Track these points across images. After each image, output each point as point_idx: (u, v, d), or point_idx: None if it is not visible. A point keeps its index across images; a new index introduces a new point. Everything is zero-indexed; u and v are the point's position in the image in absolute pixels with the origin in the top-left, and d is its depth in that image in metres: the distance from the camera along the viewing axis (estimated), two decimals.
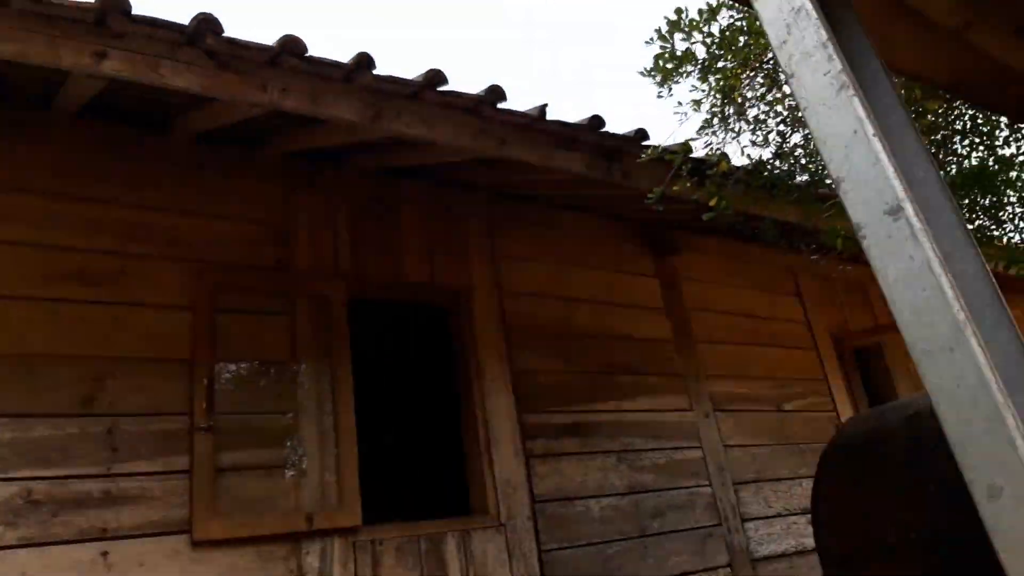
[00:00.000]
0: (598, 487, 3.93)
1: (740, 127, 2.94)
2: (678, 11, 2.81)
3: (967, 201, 3.28)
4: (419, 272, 3.82)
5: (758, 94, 2.88)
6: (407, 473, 6.13)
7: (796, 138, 3.24)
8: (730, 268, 5.25)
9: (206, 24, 2.44)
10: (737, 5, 2.69)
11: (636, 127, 3.29)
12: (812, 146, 3.34)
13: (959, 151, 3.20)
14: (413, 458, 6.24)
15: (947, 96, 2.62)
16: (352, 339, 3.47)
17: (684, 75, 2.93)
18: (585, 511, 3.83)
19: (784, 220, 3.86)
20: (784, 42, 0.95)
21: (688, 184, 2.83)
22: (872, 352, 5.84)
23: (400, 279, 3.76)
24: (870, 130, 0.75)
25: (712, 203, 2.77)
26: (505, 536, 3.52)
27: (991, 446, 0.57)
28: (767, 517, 4.55)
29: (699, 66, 2.89)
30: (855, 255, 5.54)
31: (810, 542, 4.66)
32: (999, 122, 3.18)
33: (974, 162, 3.30)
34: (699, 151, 3.23)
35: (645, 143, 3.18)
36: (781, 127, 3.20)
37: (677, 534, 4.09)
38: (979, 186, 3.09)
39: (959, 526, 2.66)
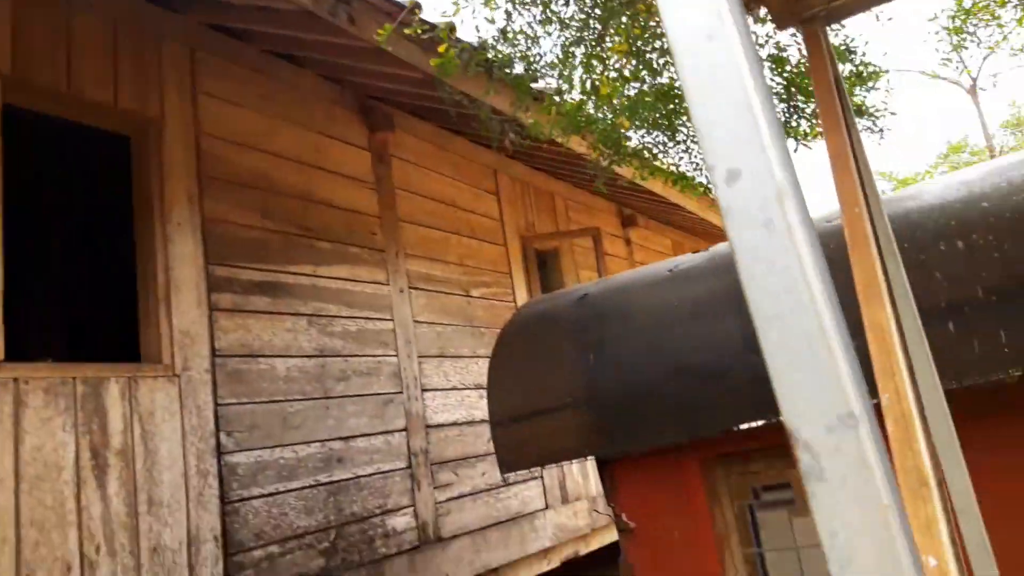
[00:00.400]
0: (286, 347, 3.86)
1: None
2: None
3: (656, 115, 3.69)
4: (100, 90, 3.31)
5: None
6: (79, 315, 5.44)
7: (521, 22, 3.35)
8: (440, 156, 5.38)
9: None
10: None
11: None
12: (534, 33, 3.49)
13: (654, 65, 3.58)
14: (84, 299, 5.55)
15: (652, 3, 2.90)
16: (10, 153, 2.92)
17: None
18: (270, 369, 3.75)
19: (497, 108, 4.02)
20: None
21: (419, 31, 2.80)
22: (551, 256, 6.45)
23: (76, 94, 3.23)
24: None
25: (441, 49, 2.78)
26: (179, 387, 3.31)
27: (736, 130, 0.63)
28: (445, 389, 4.86)
29: None
30: (550, 167, 6.01)
31: (479, 414, 5.11)
32: None
33: (665, 80, 3.72)
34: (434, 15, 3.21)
35: None
36: (508, 6, 3.29)
37: (360, 398, 4.20)
38: (665, 103, 3.51)
39: (611, 388, 3.09)
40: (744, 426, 2.94)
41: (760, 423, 2.87)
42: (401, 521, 4.27)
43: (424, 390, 4.68)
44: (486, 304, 5.46)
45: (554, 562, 5.43)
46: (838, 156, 1.83)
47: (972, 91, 19.25)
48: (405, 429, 4.46)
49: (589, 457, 3.14)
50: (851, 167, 1.81)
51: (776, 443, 2.88)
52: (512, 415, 3.30)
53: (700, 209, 6.88)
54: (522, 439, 3.24)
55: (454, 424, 4.86)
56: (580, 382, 3.13)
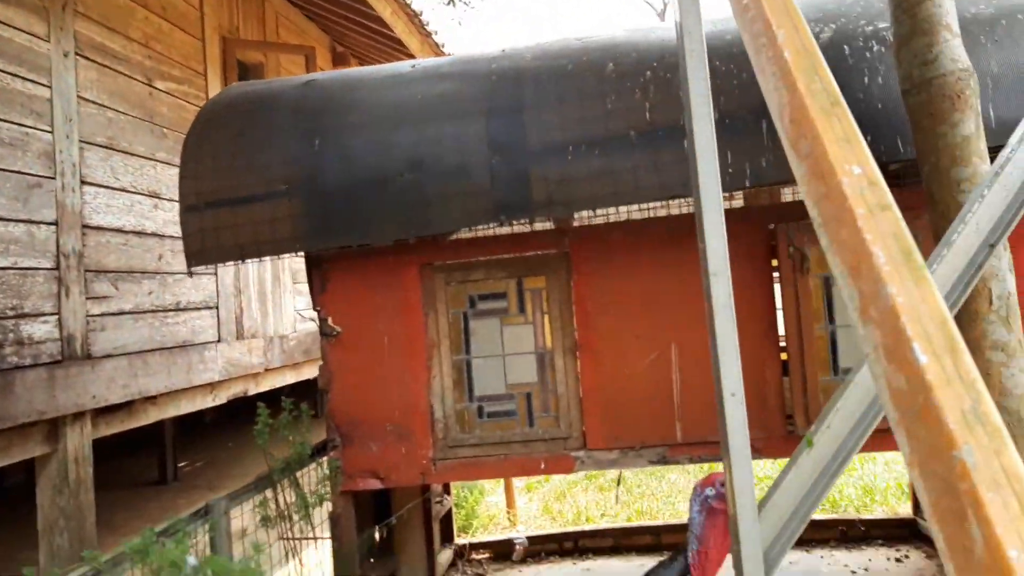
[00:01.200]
0: None
1: None
2: None
3: None
4: None
5: None
6: None
7: None
8: None
9: None
10: None
11: None
12: None
13: None
14: None
15: None
16: None
17: None
18: None
19: None
20: None
21: None
22: (254, 71, 5.74)
23: None
24: None
25: None
26: None
27: None
28: (111, 188, 4.09)
29: None
30: None
31: (152, 225, 4.43)
32: None
33: None
34: None
35: None
36: None
37: None
38: None
39: (337, 178, 2.79)
40: (471, 234, 2.88)
41: (491, 231, 2.84)
42: (41, 329, 3.56)
43: (84, 183, 3.88)
44: (173, 102, 4.67)
45: (220, 398, 5.05)
46: None
47: (662, 15, 21.30)
48: (55, 223, 3.67)
49: (299, 252, 2.85)
50: None
51: (499, 252, 2.88)
52: (210, 199, 2.85)
53: (421, 51, 6.60)
54: (219, 226, 2.82)
55: (119, 230, 4.13)
56: (300, 169, 2.79)
